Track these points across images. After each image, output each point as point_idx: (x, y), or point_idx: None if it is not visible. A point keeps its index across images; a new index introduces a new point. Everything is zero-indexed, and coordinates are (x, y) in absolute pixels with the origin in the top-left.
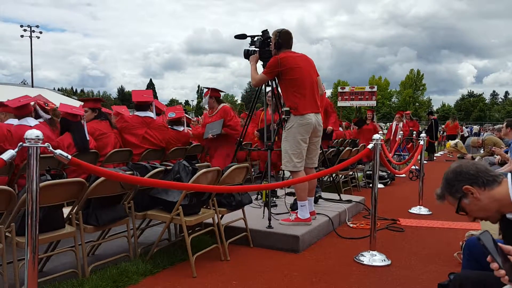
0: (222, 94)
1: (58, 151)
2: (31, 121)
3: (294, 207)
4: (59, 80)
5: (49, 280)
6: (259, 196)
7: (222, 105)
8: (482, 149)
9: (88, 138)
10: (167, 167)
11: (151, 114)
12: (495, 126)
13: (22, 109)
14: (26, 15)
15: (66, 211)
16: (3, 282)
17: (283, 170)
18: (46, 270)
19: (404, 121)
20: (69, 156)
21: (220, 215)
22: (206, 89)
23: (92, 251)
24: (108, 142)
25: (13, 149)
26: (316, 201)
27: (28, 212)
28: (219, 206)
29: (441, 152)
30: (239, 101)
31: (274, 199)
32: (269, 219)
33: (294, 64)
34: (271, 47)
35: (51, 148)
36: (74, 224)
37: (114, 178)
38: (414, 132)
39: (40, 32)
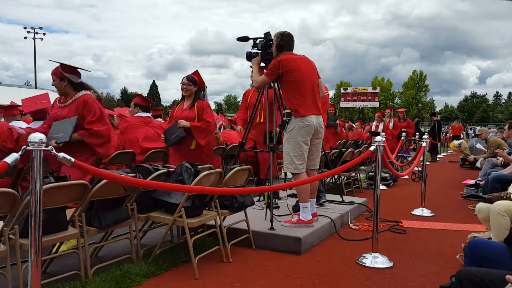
0: (225, 95)
1: (61, 154)
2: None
3: (296, 209)
4: None
5: (52, 282)
6: (261, 198)
7: (82, 93)
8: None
9: None
10: (170, 169)
11: (150, 115)
12: (488, 129)
13: (37, 113)
14: (29, 17)
15: (69, 213)
16: (7, 283)
17: (285, 172)
18: (49, 272)
19: (386, 120)
20: (72, 159)
21: (222, 217)
22: (58, 64)
23: (95, 253)
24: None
25: (12, 147)
26: (321, 204)
27: (31, 214)
28: (221, 208)
29: (444, 153)
30: None
31: (276, 200)
32: (271, 221)
33: (295, 66)
34: (273, 49)
35: (54, 151)
36: (77, 226)
37: (116, 181)
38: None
39: (44, 34)
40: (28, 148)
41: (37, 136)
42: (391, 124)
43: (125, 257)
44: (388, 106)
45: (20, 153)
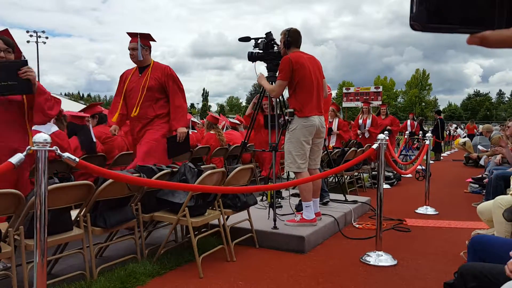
0: (227, 97)
1: (66, 154)
2: (50, 127)
3: (299, 208)
4: (66, 85)
5: (58, 282)
6: (264, 197)
7: None
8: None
9: (95, 140)
10: (173, 169)
11: None
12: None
13: None
14: (32, 21)
15: (74, 213)
16: (12, 284)
17: (288, 172)
18: (55, 272)
19: (364, 116)
20: (77, 159)
21: (226, 216)
22: None
23: (100, 253)
24: (115, 146)
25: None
26: (325, 203)
27: (36, 215)
28: (224, 207)
29: (448, 152)
30: (244, 104)
31: (279, 200)
32: (274, 220)
33: (304, 65)
34: (280, 47)
35: (59, 151)
36: (82, 226)
37: (121, 180)
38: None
39: (46, 38)
40: (32, 148)
41: (41, 137)
42: (368, 121)
43: (130, 256)
44: (365, 102)
45: (24, 153)
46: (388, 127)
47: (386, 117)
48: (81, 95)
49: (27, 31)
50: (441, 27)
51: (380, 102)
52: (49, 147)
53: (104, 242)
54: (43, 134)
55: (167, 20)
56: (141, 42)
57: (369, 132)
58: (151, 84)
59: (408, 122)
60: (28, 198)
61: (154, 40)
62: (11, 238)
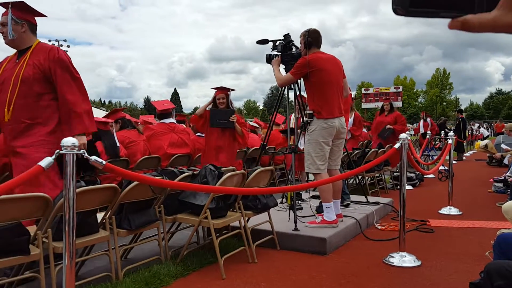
0: (244, 100)
1: (94, 157)
2: None
3: (319, 210)
4: (87, 92)
5: (85, 284)
6: (284, 200)
7: None
8: None
9: (118, 145)
10: (194, 172)
11: (174, 120)
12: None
13: None
14: (53, 30)
15: (99, 216)
16: (41, 286)
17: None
18: (81, 274)
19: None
20: (104, 162)
21: (246, 218)
22: None
23: (125, 255)
24: (137, 150)
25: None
26: (346, 205)
27: (65, 218)
28: (245, 209)
29: (471, 152)
30: (261, 107)
31: (299, 202)
32: (295, 222)
33: (323, 66)
34: (301, 48)
35: (86, 154)
36: (107, 228)
37: (146, 182)
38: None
39: (68, 46)
40: (61, 152)
41: (69, 140)
42: (350, 120)
43: (154, 258)
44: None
45: (54, 156)
46: (389, 126)
47: (389, 114)
48: (102, 102)
49: (49, 40)
50: (423, 11)
51: (400, 103)
52: (77, 150)
53: (128, 244)
54: (70, 138)
55: (184, 26)
56: (13, 14)
57: (350, 133)
58: (28, 73)
59: (421, 122)
60: (55, 202)
61: (40, 15)
62: (39, 241)
